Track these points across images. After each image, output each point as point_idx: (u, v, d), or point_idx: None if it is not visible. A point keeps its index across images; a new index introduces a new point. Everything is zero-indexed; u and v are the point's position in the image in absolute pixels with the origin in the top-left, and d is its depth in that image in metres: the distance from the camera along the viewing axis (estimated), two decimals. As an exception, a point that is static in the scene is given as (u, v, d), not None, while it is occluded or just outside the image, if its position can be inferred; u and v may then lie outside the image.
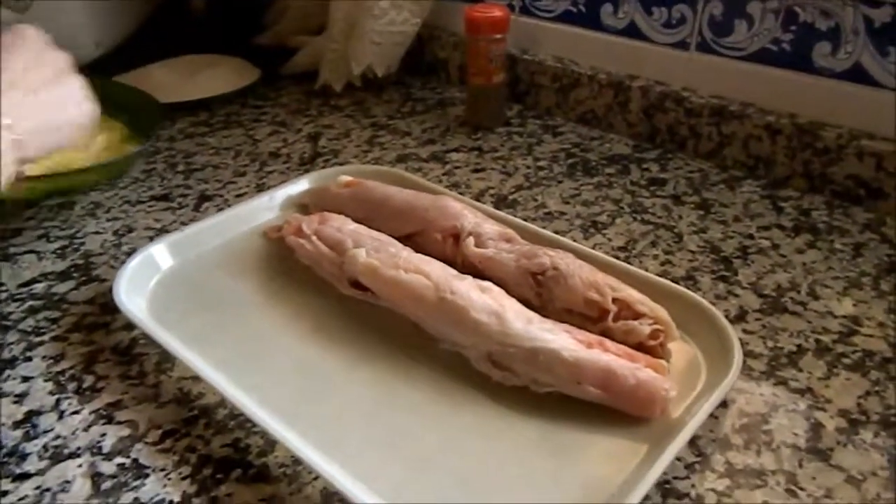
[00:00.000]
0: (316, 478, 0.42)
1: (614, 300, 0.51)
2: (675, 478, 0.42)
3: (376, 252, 0.55)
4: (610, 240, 0.65)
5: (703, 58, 0.77)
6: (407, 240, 0.59)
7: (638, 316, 0.50)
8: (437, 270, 0.52)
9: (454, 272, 0.53)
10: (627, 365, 0.46)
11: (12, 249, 0.64)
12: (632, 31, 0.82)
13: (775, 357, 0.51)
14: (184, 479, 0.42)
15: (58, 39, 0.97)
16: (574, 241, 0.62)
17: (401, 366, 0.50)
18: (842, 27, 0.67)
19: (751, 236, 0.65)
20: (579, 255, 0.55)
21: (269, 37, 1.11)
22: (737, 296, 0.58)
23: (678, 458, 0.43)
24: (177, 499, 0.41)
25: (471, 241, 0.57)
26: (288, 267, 0.60)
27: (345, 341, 0.53)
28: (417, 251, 0.56)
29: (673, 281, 0.58)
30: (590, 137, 0.85)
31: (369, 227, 0.60)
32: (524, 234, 0.59)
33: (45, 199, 0.71)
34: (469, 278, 0.52)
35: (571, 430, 0.45)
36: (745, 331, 0.54)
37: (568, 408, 0.46)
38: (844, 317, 0.55)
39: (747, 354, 0.51)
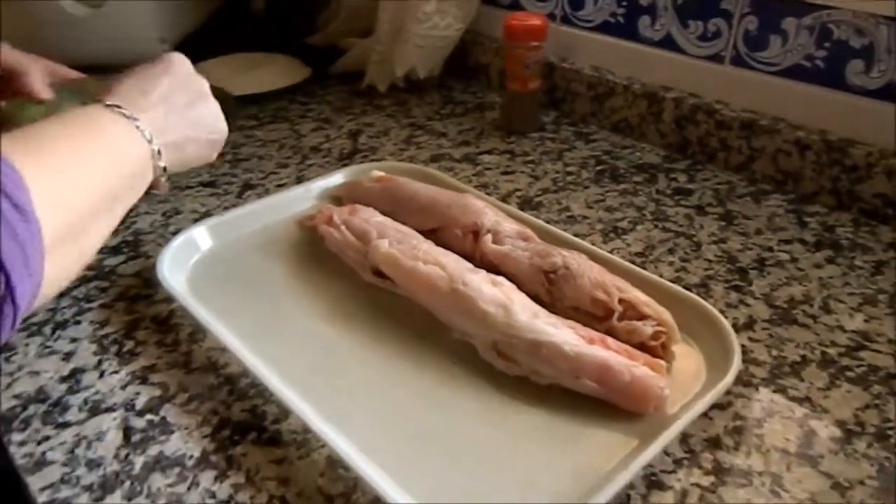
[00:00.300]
0: (323, 446, 0.45)
1: (620, 301, 0.53)
2: (663, 471, 0.44)
3: (398, 243, 0.58)
4: (628, 245, 0.67)
5: (737, 72, 0.78)
6: (430, 234, 0.62)
7: (642, 317, 0.52)
8: (453, 263, 0.55)
9: (469, 266, 0.55)
10: (625, 362, 0.47)
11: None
12: (668, 43, 0.84)
13: (778, 366, 0.52)
14: (204, 437, 0.46)
15: (125, 34, 1.05)
16: (593, 244, 0.64)
17: (412, 350, 0.53)
18: (875, 46, 0.68)
19: (770, 249, 0.66)
20: (592, 257, 0.57)
21: (321, 38, 1.16)
22: (748, 305, 0.59)
23: (667, 454, 0.45)
24: (196, 454, 0.45)
25: (489, 237, 0.60)
26: (317, 254, 0.64)
27: (362, 324, 0.56)
28: (439, 245, 0.59)
29: (686, 288, 0.59)
30: (622, 146, 0.87)
31: (396, 220, 0.64)
32: (543, 234, 0.61)
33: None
34: (482, 272, 0.54)
35: (568, 421, 0.47)
36: (750, 339, 0.55)
37: (566, 400, 0.48)
38: (854, 331, 0.56)
39: (750, 362, 0.53)
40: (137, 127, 0.46)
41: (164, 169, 0.49)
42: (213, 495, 0.42)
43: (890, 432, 0.47)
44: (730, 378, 0.47)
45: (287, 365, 0.50)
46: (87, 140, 0.42)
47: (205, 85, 0.55)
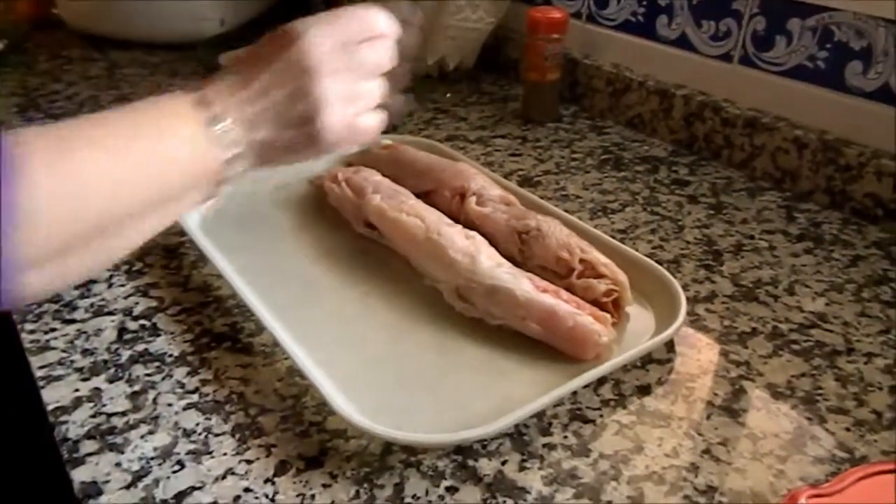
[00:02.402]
0: (286, 358, 0.50)
1: (581, 260, 0.56)
2: (588, 407, 0.47)
3: (389, 199, 0.63)
4: (613, 223, 0.70)
5: (745, 71, 0.80)
6: (424, 196, 0.67)
7: (599, 276, 0.55)
8: (433, 216, 0.60)
9: (448, 220, 0.60)
10: (570, 309, 0.51)
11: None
12: (682, 42, 0.86)
13: (726, 334, 0.55)
14: (185, 342, 0.52)
15: (187, 13, 1.14)
16: (579, 220, 0.67)
17: (385, 292, 0.58)
18: (874, 47, 0.69)
19: (752, 237, 0.68)
20: (567, 224, 0.61)
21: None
22: (714, 282, 0.61)
23: (597, 395, 0.48)
24: (176, 353, 0.51)
25: (473, 199, 0.64)
26: (320, 209, 0.70)
27: (346, 268, 0.61)
28: (429, 205, 0.64)
29: (658, 263, 0.62)
30: (632, 140, 0.89)
31: (396, 182, 0.69)
32: (526, 202, 0.65)
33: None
34: (459, 227, 0.59)
35: (511, 359, 0.51)
36: (707, 310, 0.57)
37: (514, 341, 0.52)
38: (812, 312, 0.57)
39: (701, 329, 0.55)
40: (217, 130, 0.42)
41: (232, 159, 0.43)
42: (182, 386, 0.48)
43: (818, 398, 0.48)
44: (670, 331, 0.50)
45: (271, 292, 0.55)
46: (143, 140, 0.39)
47: (314, 76, 0.44)
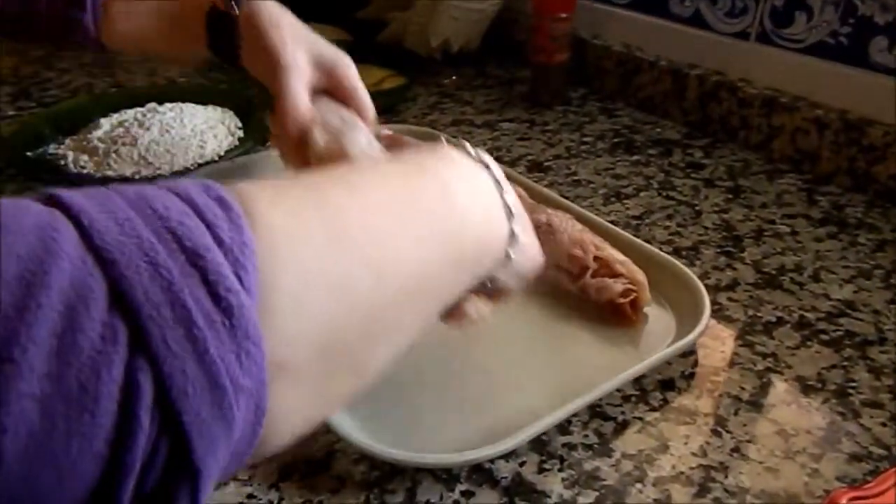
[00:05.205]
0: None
1: (596, 258, 0.53)
2: (609, 404, 0.45)
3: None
4: (628, 209, 0.67)
5: (763, 49, 0.77)
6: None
7: (615, 275, 0.52)
8: None
9: None
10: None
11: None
12: (697, 20, 0.83)
13: (751, 324, 0.52)
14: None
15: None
16: (592, 206, 0.65)
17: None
18: (900, 22, 0.66)
19: (773, 222, 0.65)
20: (580, 219, 0.57)
21: (370, 11, 1.20)
22: (735, 269, 0.58)
23: (617, 390, 0.45)
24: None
25: (480, 189, 0.61)
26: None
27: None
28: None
29: (676, 250, 0.60)
30: (644, 122, 0.87)
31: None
32: (535, 195, 0.62)
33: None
34: None
35: (518, 368, 0.48)
36: (729, 298, 0.55)
37: (527, 344, 0.50)
38: (840, 300, 0.55)
39: (724, 319, 0.53)
40: (503, 191, 0.32)
41: (512, 236, 0.32)
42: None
43: (851, 391, 0.46)
44: (694, 335, 0.47)
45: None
46: (416, 197, 0.28)
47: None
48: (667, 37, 0.87)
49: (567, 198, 0.65)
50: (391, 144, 0.71)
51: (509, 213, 0.32)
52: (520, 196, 0.60)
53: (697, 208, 0.67)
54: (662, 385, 0.46)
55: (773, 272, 0.58)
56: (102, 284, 0.17)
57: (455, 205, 0.29)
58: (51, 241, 0.17)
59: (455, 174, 0.31)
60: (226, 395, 0.18)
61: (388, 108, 0.88)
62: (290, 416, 0.23)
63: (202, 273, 0.19)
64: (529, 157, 0.77)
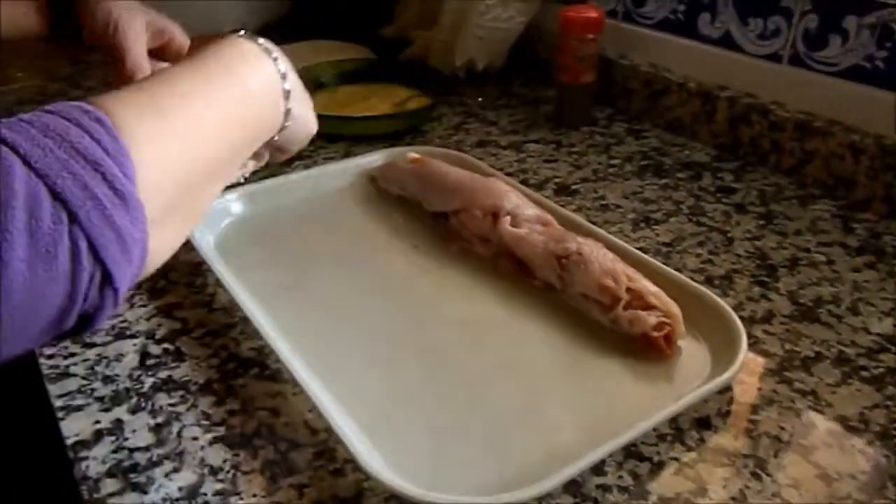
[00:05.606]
0: (317, 386, 0.47)
1: (628, 289, 0.52)
2: (644, 443, 0.44)
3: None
4: (657, 235, 0.66)
5: (795, 72, 0.76)
6: (453, 215, 0.64)
7: (649, 307, 0.51)
8: None
9: None
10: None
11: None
12: (727, 41, 0.82)
13: (788, 359, 0.51)
14: (211, 367, 0.49)
15: (205, 18, 1.11)
16: (621, 232, 0.64)
17: (415, 330, 0.55)
18: (939, 46, 0.64)
19: (807, 250, 0.64)
20: (610, 247, 0.56)
21: (393, 29, 1.20)
22: (770, 300, 0.57)
23: (654, 430, 0.44)
24: (201, 381, 0.48)
25: (507, 219, 0.60)
26: (333, 223, 0.68)
27: (378, 298, 0.57)
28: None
29: (708, 279, 0.58)
30: (672, 144, 0.85)
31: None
32: (564, 222, 0.60)
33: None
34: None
35: (548, 404, 0.47)
36: (765, 331, 0.53)
37: (556, 377, 0.49)
38: (879, 335, 0.53)
39: (761, 353, 0.51)
40: (281, 76, 0.43)
41: (287, 113, 0.44)
42: (208, 417, 0.45)
43: (895, 433, 0.44)
44: (729, 374, 0.46)
45: (290, 317, 0.53)
46: (219, 89, 0.39)
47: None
48: (696, 58, 0.86)
49: (595, 223, 0.64)
50: (418, 167, 0.71)
51: (287, 95, 0.44)
52: (549, 223, 0.60)
53: (729, 235, 0.66)
54: (698, 423, 0.45)
55: (810, 304, 0.56)
56: (44, 189, 0.27)
57: (247, 92, 0.41)
58: (8, 166, 0.27)
59: (248, 69, 0.41)
60: (127, 245, 0.30)
61: (413, 128, 0.87)
62: (161, 250, 0.35)
63: (102, 175, 0.29)
64: (557, 180, 0.76)
